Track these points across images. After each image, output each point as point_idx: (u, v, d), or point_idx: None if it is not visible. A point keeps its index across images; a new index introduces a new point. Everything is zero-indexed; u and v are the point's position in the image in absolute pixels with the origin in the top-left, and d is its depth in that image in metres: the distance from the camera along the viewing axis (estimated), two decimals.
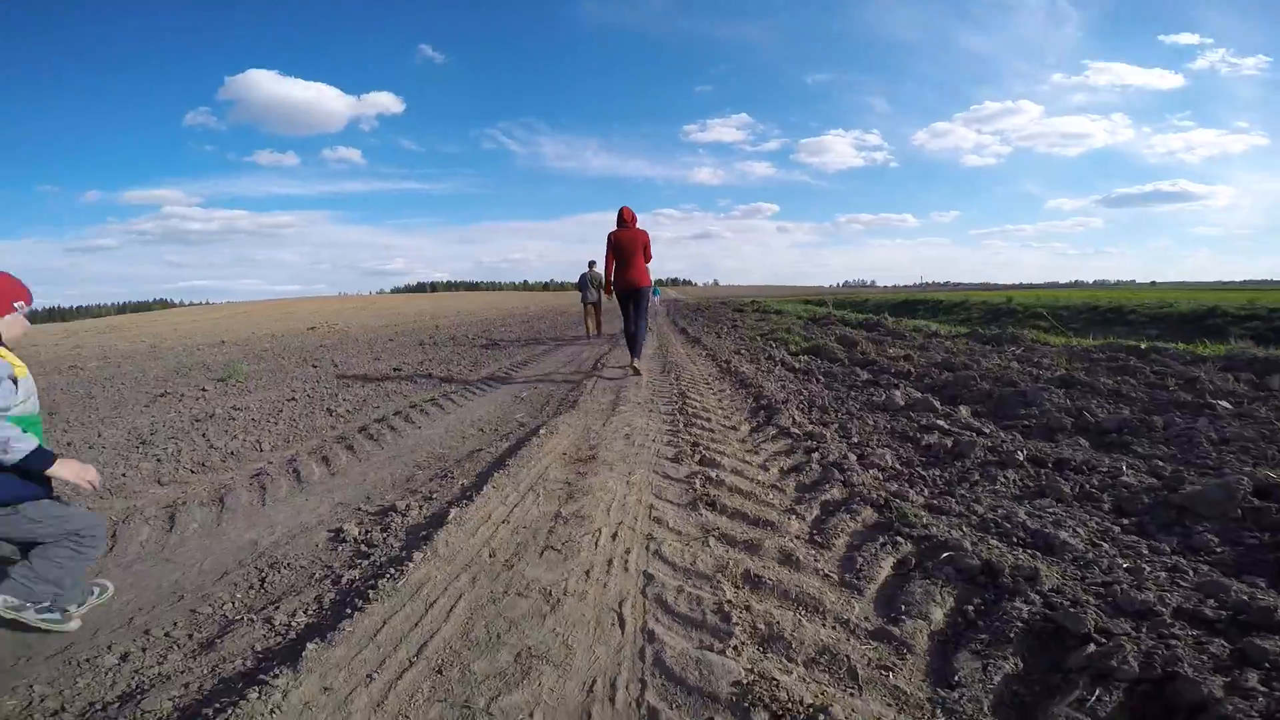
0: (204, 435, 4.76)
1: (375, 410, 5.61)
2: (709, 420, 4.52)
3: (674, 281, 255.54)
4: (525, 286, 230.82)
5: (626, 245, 6.79)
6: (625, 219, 6.88)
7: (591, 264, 12.83)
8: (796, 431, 3.97)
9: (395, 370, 8.67)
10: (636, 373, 6.95)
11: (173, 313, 67.13)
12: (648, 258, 6.98)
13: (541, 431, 4.29)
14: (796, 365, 7.10)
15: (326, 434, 4.74)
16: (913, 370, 6.12)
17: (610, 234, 6.86)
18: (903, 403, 4.72)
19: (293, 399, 6.28)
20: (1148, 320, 18.43)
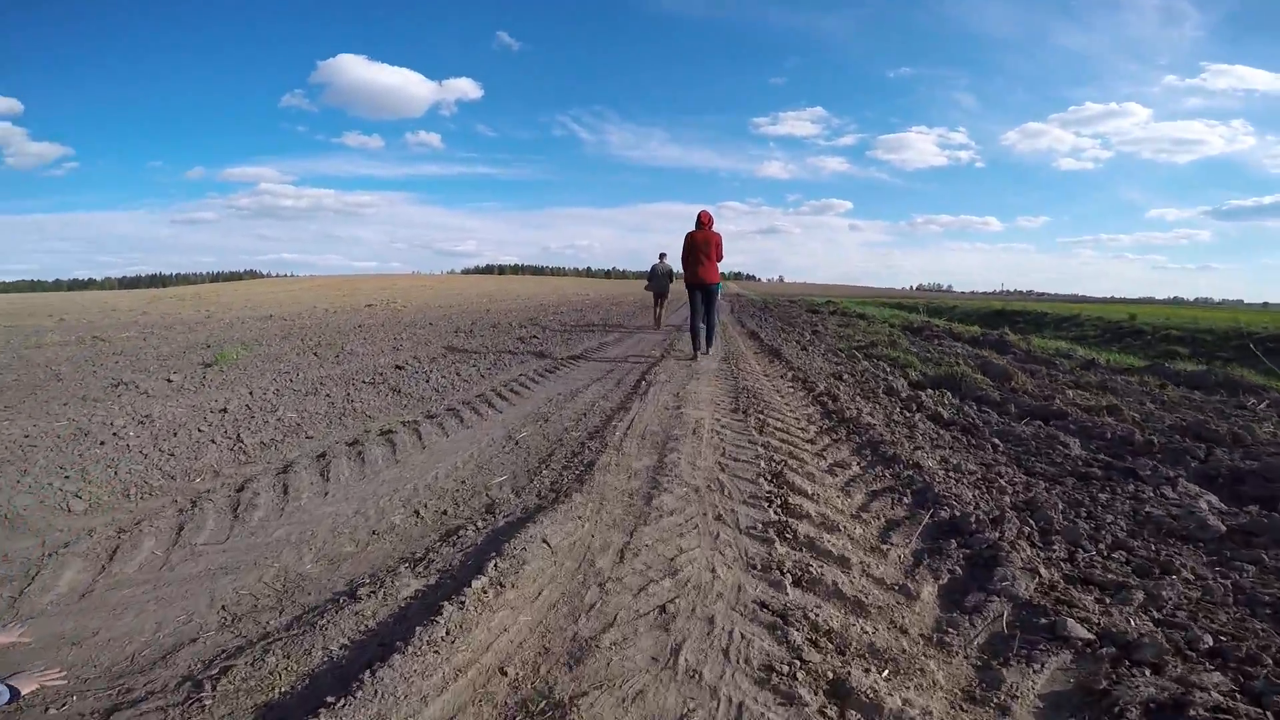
0: (72, 464, 3.14)
1: (302, 445, 3.90)
2: (838, 578, 2.16)
3: (737, 276, 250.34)
4: (588, 273, 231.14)
5: (700, 245, 7.41)
6: (702, 221, 7.46)
7: (662, 256, 12.33)
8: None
9: (397, 368, 7.00)
10: (695, 358, 7.69)
11: (255, 283, 73.24)
12: (719, 257, 7.57)
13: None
14: (942, 413, 4.75)
15: (192, 486, 3.03)
16: (1139, 435, 3.87)
17: (688, 233, 7.52)
18: (1221, 526, 2.52)
19: (224, 409, 4.63)
20: None
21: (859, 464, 3.48)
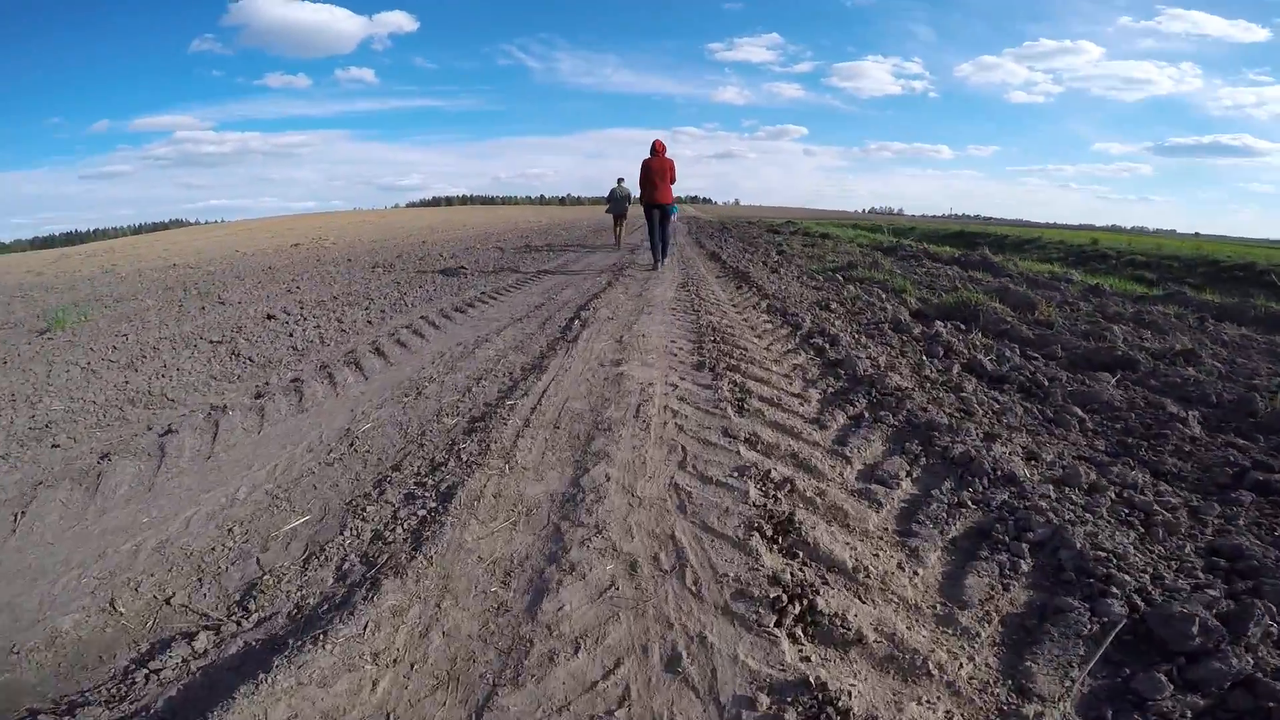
0: None
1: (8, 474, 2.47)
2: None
3: (693, 199, 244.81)
4: (541, 201, 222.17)
5: (655, 170, 7.94)
6: (656, 149, 8.01)
7: (620, 180, 12.60)
8: None
9: (267, 318, 5.46)
10: (655, 267, 8.26)
11: (179, 232, 67.09)
12: (673, 180, 8.15)
13: None
14: (984, 362, 3.43)
15: None
16: (1259, 401, 2.75)
17: (644, 160, 8.04)
18: None
19: None
20: None
21: (909, 474, 2.14)
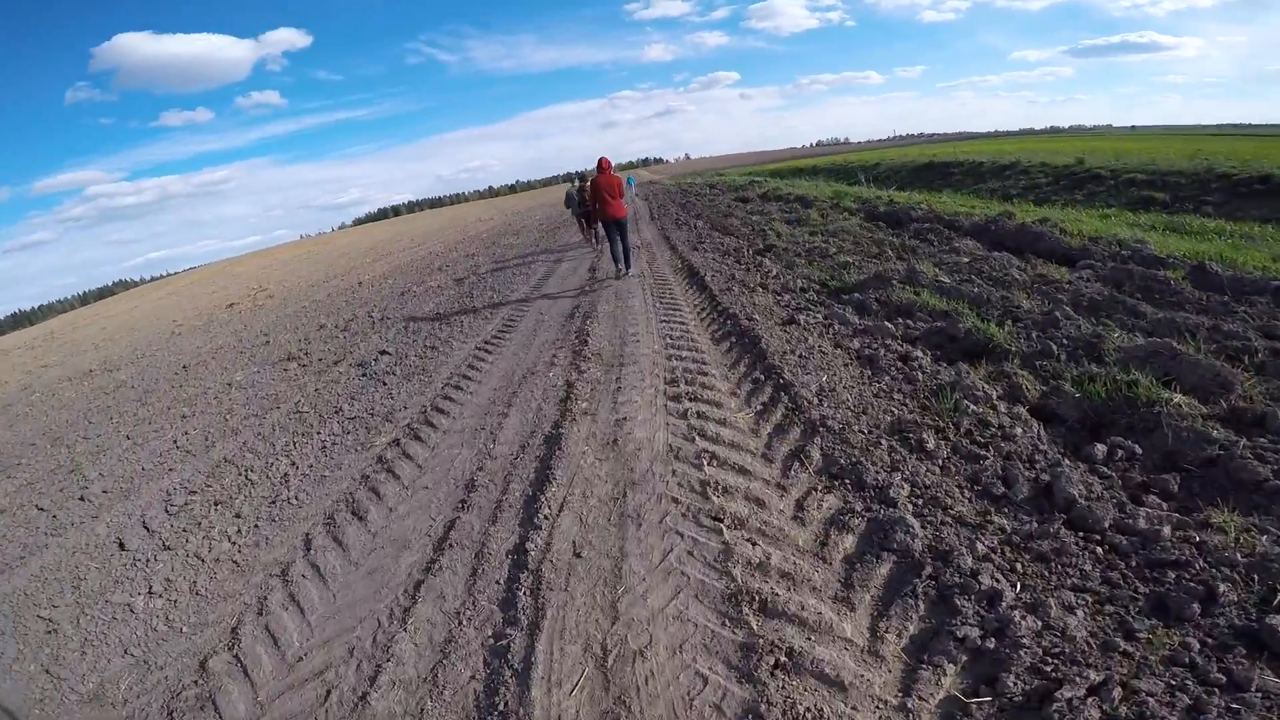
0: None
1: None
2: None
3: (644, 162, 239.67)
4: (490, 193, 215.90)
5: (606, 188, 8.21)
6: (603, 167, 8.44)
7: (577, 181, 12.54)
8: None
9: (120, 547, 3.57)
10: (621, 276, 8.61)
11: (120, 299, 63.49)
12: (621, 194, 8.35)
13: None
14: None
15: None
16: None
17: (593, 179, 8.47)
18: None
19: None
20: None
21: None
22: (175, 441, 6.05)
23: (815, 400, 3.92)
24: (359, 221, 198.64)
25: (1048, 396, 3.68)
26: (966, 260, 6.30)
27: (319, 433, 5.38)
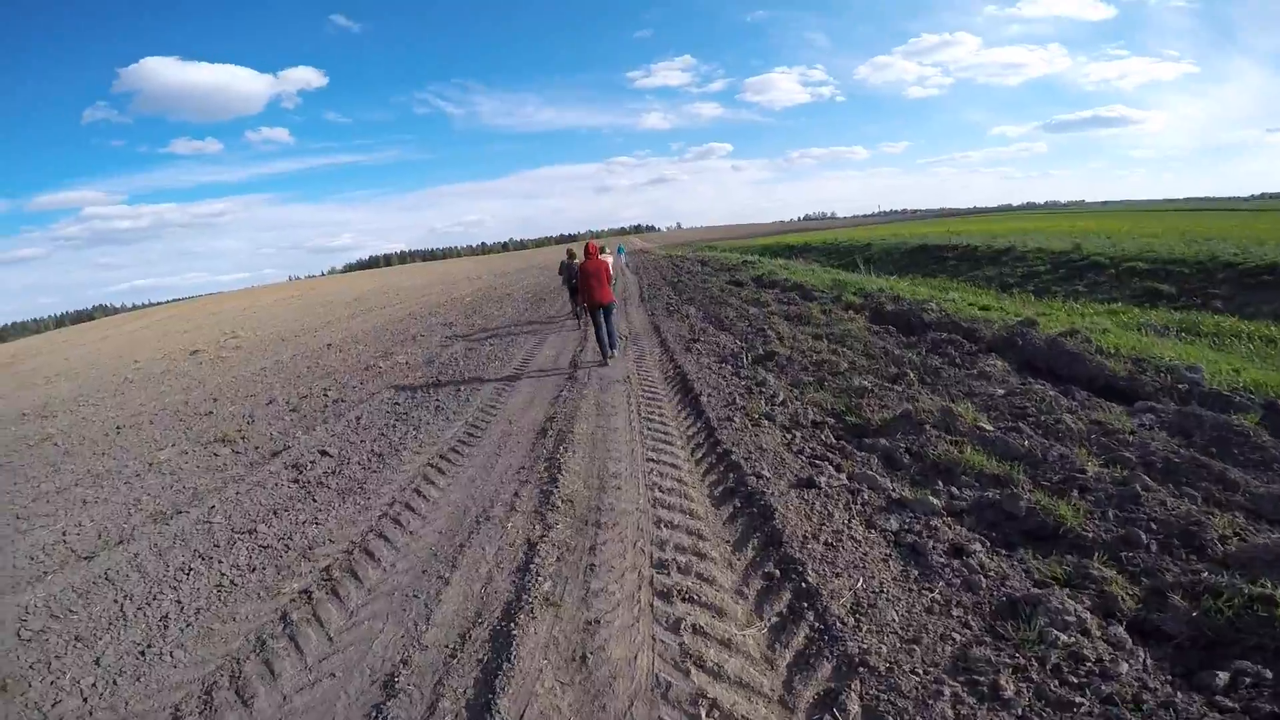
0: None
1: None
2: None
3: (637, 229, 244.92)
4: (483, 249, 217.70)
5: (593, 273, 8.44)
6: (590, 252, 8.82)
7: (570, 253, 13.04)
8: None
9: None
10: (607, 362, 8.63)
11: (90, 328, 62.70)
12: (609, 280, 8.70)
13: None
14: None
15: None
16: None
17: (579, 265, 8.85)
18: None
19: None
20: None
21: None
22: (64, 535, 5.14)
23: (850, 620, 2.91)
24: (349, 268, 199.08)
25: (1148, 606, 2.80)
26: (1002, 393, 5.44)
27: (222, 560, 4.36)
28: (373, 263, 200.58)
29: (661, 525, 3.93)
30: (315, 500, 5.33)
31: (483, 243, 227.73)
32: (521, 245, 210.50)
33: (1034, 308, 11.01)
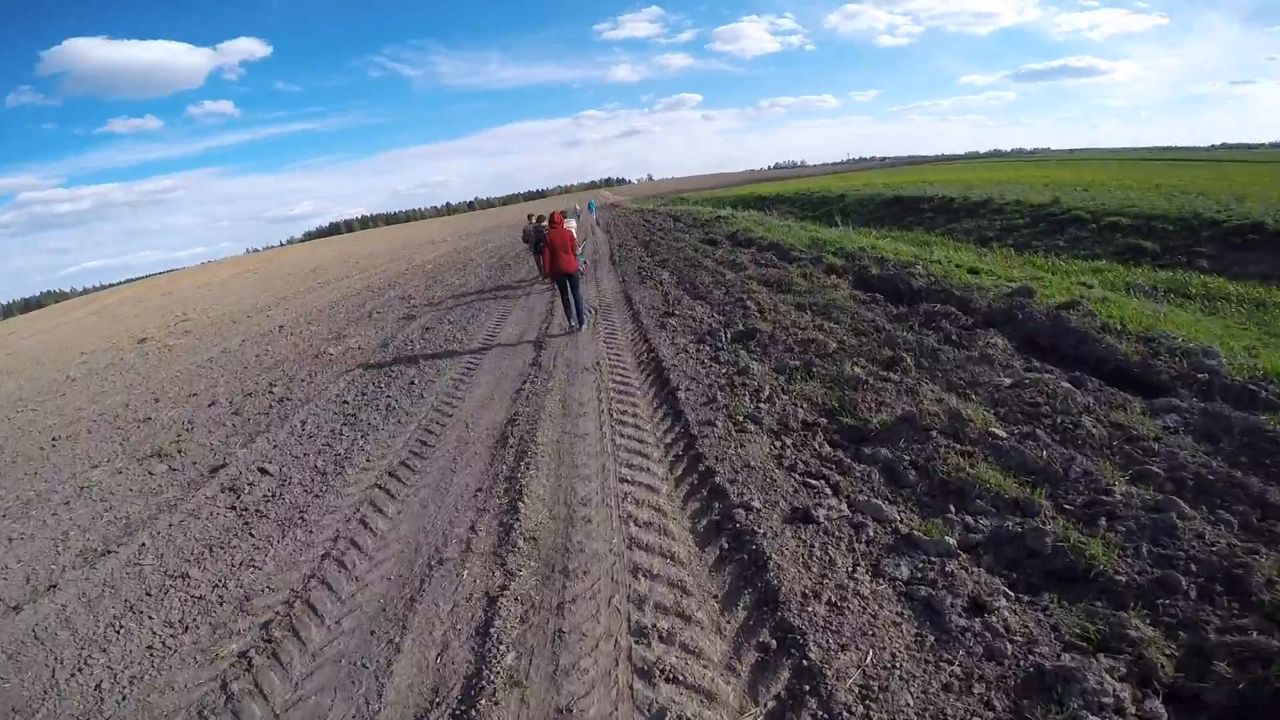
0: None
1: None
2: None
3: (608, 182, 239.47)
4: (448, 210, 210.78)
5: (558, 244, 8.44)
6: (554, 221, 8.91)
7: (530, 216, 14.35)
8: None
9: None
10: (577, 330, 8.70)
11: (38, 316, 59.68)
12: (573, 248, 8.70)
13: None
14: None
15: None
16: None
17: (546, 234, 8.72)
18: None
19: None
20: None
21: None
22: None
23: (859, 708, 2.42)
24: (309, 236, 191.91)
25: (1187, 671, 2.43)
26: (1010, 384, 4.92)
27: (153, 615, 3.86)
28: (334, 230, 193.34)
29: (639, 574, 3.38)
30: (253, 534, 4.73)
31: (448, 203, 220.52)
32: (488, 204, 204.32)
33: (1024, 269, 10.55)
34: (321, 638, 3.35)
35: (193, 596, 3.98)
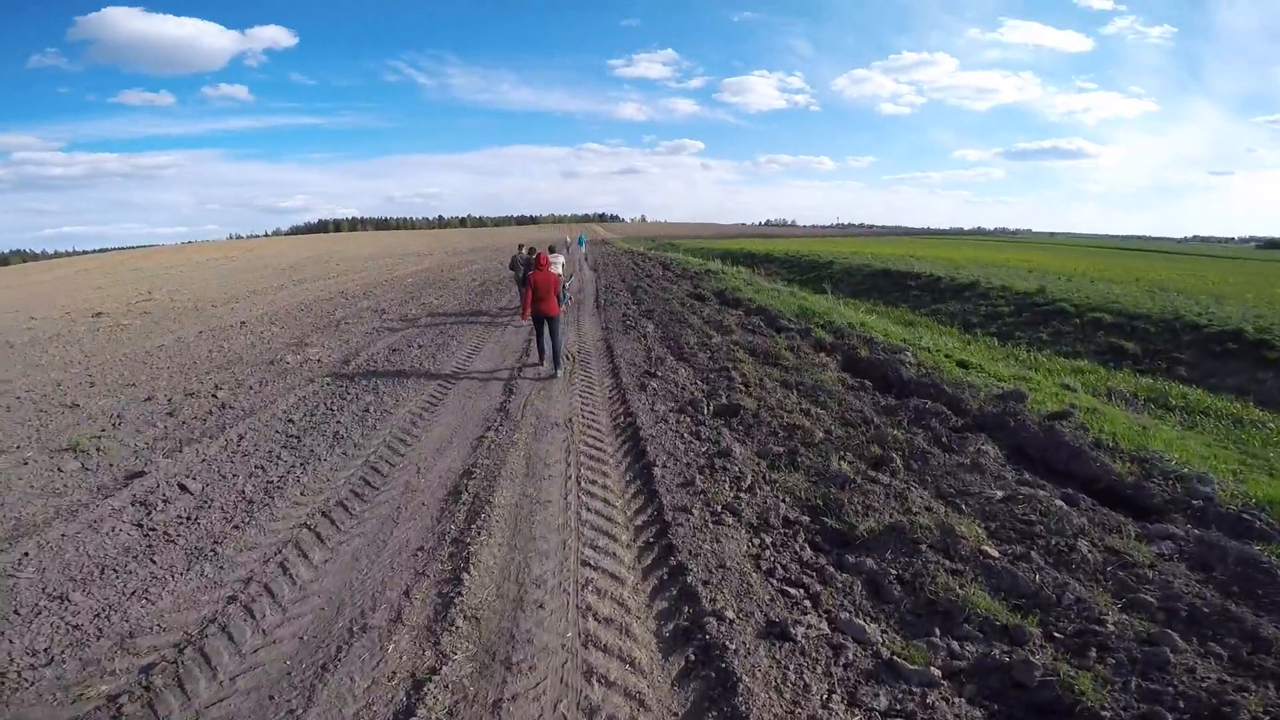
0: None
1: None
2: None
3: (601, 217, 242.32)
4: (439, 223, 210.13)
5: (543, 286, 8.21)
6: (540, 264, 8.73)
7: (520, 246, 13.81)
8: None
9: None
10: (552, 376, 8.39)
11: (6, 272, 57.13)
12: (557, 292, 8.50)
13: None
14: None
15: None
16: None
17: (530, 275, 8.42)
18: None
19: None
20: None
21: None
22: None
23: None
24: (295, 230, 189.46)
25: None
26: (1001, 497, 4.66)
27: (15, 639, 3.32)
28: (321, 227, 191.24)
29: (593, 679, 2.93)
30: (155, 560, 4.16)
31: (440, 216, 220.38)
32: (480, 222, 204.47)
33: (1009, 365, 10.53)
34: (210, 694, 2.87)
35: (68, 624, 3.43)
